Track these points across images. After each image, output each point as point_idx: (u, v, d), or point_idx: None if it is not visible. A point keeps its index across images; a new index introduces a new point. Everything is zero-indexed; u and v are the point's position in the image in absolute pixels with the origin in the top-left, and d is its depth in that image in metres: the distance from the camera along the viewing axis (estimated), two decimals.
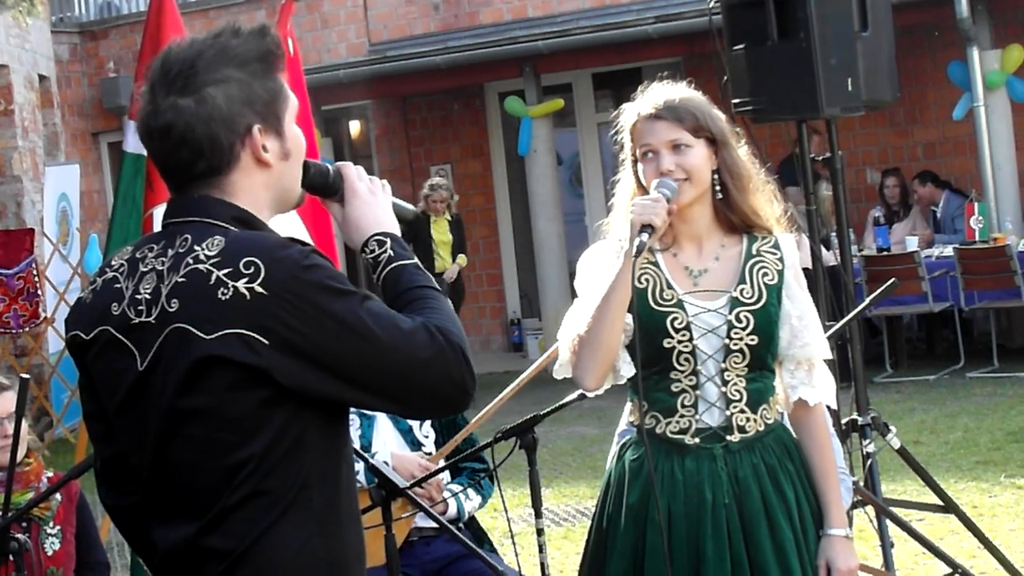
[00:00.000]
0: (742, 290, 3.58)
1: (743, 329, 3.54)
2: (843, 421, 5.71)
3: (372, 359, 2.45)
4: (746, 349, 3.54)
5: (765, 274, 3.60)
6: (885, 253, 12.41)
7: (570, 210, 15.68)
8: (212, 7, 16.65)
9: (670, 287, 3.58)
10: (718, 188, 3.62)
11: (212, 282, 2.45)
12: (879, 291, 5.33)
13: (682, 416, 3.57)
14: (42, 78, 14.79)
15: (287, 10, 5.60)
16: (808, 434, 3.66)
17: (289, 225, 5.06)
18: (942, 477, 7.53)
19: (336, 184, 2.75)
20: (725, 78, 6.08)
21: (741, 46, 5.99)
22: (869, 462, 5.79)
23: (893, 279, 5.55)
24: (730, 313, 3.55)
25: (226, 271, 2.45)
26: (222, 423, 2.47)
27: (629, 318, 3.52)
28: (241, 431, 2.47)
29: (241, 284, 2.44)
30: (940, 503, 6.05)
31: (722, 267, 3.62)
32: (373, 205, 2.72)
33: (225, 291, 2.44)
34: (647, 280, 3.59)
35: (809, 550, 3.57)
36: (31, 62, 14.35)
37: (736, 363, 3.55)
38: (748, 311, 3.55)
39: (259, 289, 2.43)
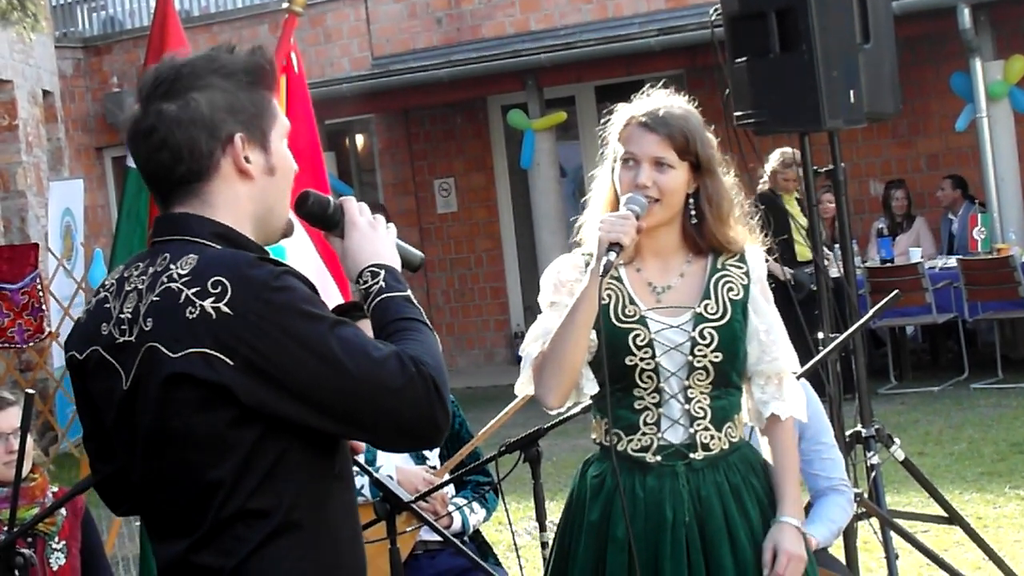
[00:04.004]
0: (706, 306, 3.52)
1: (707, 346, 3.49)
2: (847, 433, 5.71)
3: (336, 385, 2.42)
4: (710, 366, 3.50)
5: (730, 289, 3.55)
6: (889, 264, 12.41)
7: (573, 223, 15.67)
8: (216, 21, 16.73)
9: (633, 303, 3.53)
10: (693, 213, 3.56)
11: (181, 301, 2.45)
12: (882, 303, 5.33)
13: (644, 434, 3.52)
14: (46, 93, 14.81)
15: (290, 24, 5.60)
16: (776, 442, 3.61)
17: (300, 249, 5.08)
18: (947, 488, 7.53)
19: (336, 217, 2.72)
20: (727, 91, 6.08)
21: (743, 59, 5.99)
22: (873, 474, 5.78)
23: (896, 291, 5.55)
24: (693, 330, 3.50)
25: (195, 290, 2.45)
26: (194, 443, 2.47)
27: (593, 334, 3.48)
28: (212, 451, 2.46)
29: (208, 303, 2.43)
30: (945, 515, 6.04)
31: (686, 283, 3.57)
32: (372, 238, 2.68)
33: (192, 310, 2.43)
34: (610, 296, 3.54)
35: None
36: (35, 77, 14.36)
37: (700, 380, 3.50)
38: (712, 327, 3.50)
39: (225, 309, 2.42)
